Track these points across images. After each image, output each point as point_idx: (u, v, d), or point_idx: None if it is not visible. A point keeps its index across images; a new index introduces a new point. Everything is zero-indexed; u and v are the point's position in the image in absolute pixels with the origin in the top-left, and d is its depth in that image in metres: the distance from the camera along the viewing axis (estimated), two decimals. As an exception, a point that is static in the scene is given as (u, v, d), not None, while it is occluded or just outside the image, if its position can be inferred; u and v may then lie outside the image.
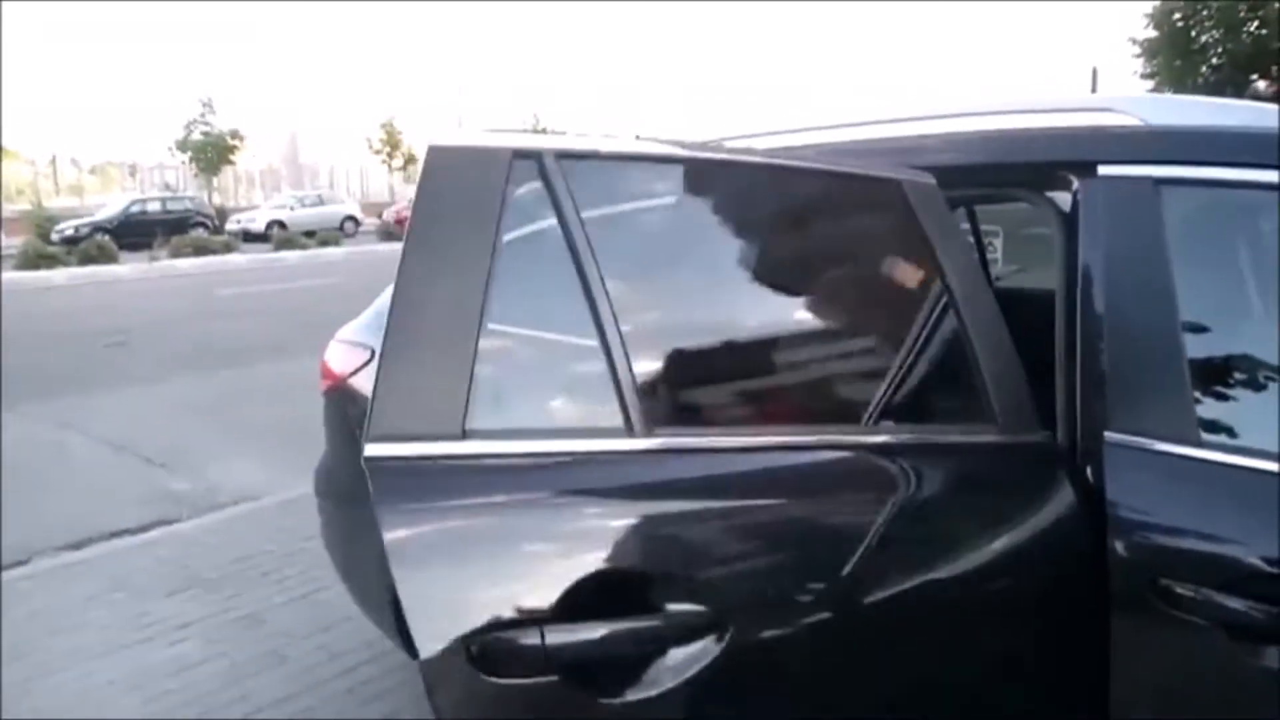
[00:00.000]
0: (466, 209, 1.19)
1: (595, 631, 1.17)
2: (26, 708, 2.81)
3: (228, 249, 21.66)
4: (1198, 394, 1.45)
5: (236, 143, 33.49)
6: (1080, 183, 1.57)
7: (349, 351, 2.58)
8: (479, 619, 1.13)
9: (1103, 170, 1.56)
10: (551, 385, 1.31)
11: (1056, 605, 1.41)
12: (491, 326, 1.18)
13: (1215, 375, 1.50)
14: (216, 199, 34.34)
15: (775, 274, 1.46)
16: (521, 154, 1.21)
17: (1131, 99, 1.74)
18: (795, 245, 1.50)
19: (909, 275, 1.47)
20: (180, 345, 9.79)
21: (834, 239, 1.51)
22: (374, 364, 2.38)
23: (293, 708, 2.79)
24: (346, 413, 2.55)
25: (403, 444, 1.14)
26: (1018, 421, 1.45)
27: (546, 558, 1.20)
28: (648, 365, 1.25)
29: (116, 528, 4.44)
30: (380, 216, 34.04)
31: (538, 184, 1.22)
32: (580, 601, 1.15)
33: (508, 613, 1.15)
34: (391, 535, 1.11)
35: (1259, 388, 1.52)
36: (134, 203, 28.05)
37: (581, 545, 1.21)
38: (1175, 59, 28.06)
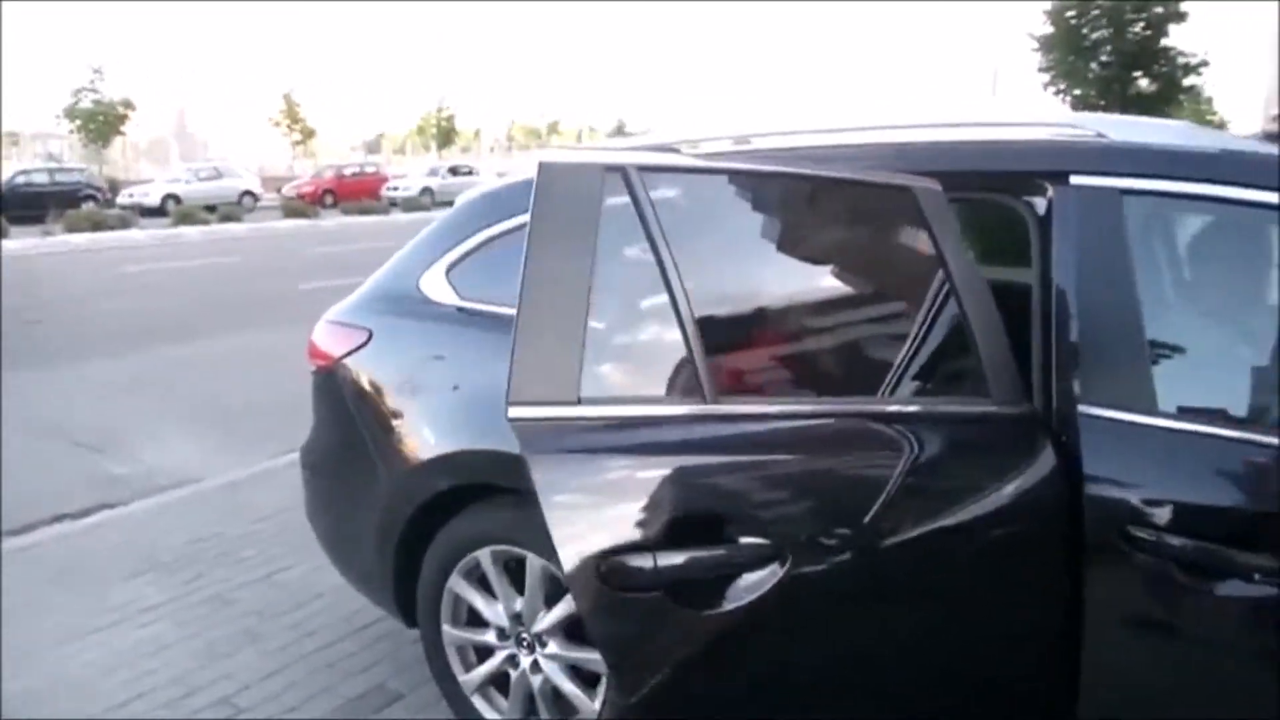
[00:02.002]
0: (571, 214, 1.38)
1: (691, 557, 1.42)
2: (8, 692, 2.79)
3: (125, 224, 20.81)
4: (1155, 371, 1.69)
5: (128, 112, 32.09)
6: (1054, 190, 1.78)
7: (344, 332, 2.63)
8: (604, 544, 1.39)
9: (1074, 180, 1.77)
10: (642, 361, 1.52)
11: (1040, 548, 1.63)
12: (594, 315, 1.38)
13: (1169, 355, 1.74)
14: (107, 171, 32.87)
15: (815, 268, 1.64)
16: (611, 168, 1.40)
17: (1093, 117, 1.95)
18: (829, 243, 1.67)
19: (920, 269, 1.65)
20: (91, 324, 9.48)
21: (860, 236, 1.68)
22: (372, 345, 2.48)
23: (277, 683, 2.84)
24: (342, 392, 2.60)
25: (534, 408, 1.36)
26: (1008, 394, 1.65)
27: (646, 497, 1.44)
28: (715, 345, 1.46)
29: (58, 512, 4.35)
30: (279, 191, 33.14)
31: (625, 193, 1.40)
32: (673, 533, 1.41)
33: (622, 540, 1.40)
34: (539, 476, 1.36)
35: (1204, 366, 1.79)
36: (19, 174, 26.65)
37: (671, 489, 1.46)
38: (1069, 55, 29.36)
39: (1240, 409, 1.73)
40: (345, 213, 26.46)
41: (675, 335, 1.41)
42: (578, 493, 1.40)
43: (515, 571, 2.32)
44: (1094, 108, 30.94)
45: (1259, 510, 1.56)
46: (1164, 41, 29.10)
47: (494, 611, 2.35)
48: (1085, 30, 29.06)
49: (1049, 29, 30.06)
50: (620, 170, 1.41)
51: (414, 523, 2.38)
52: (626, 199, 1.40)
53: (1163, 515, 1.60)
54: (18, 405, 6.12)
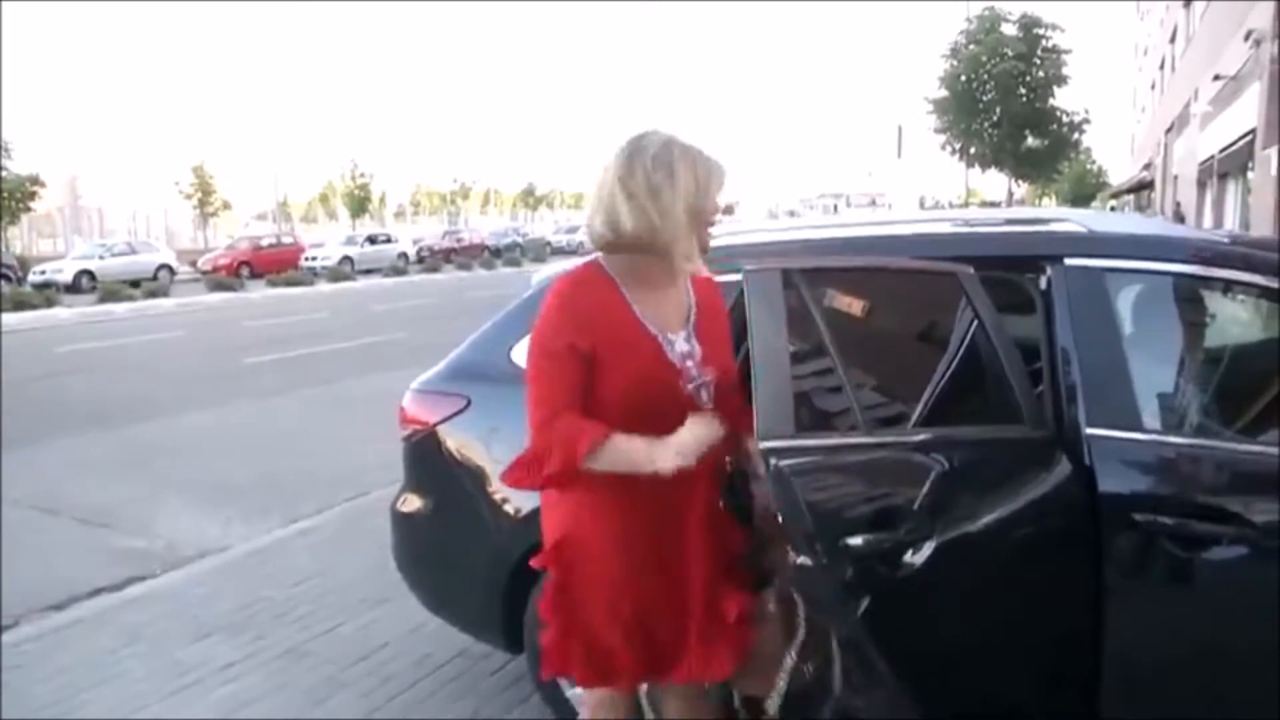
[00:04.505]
0: (768, 303, 1.94)
1: (885, 536, 1.94)
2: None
3: (50, 303, 20.48)
4: (1138, 399, 2.24)
5: (36, 188, 31.47)
6: (1052, 269, 2.35)
7: (439, 400, 3.00)
8: (835, 531, 1.92)
9: (1068, 261, 2.34)
10: (826, 404, 2.04)
11: (1068, 539, 2.14)
12: (794, 373, 1.93)
13: (1148, 388, 2.30)
14: (18, 248, 32.07)
15: (908, 334, 2.18)
16: (785, 271, 1.97)
17: (1079, 212, 2.54)
18: (918, 315, 2.19)
19: (968, 334, 2.18)
20: (44, 404, 9.45)
21: (931, 309, 2.24)
22: (472, 410, 2.86)
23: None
24: (441, 452, 2.96)
25: (772, 440, 1.88)
26: (1037, 421, 2.17)
27: (844, 500, 2.02)
28: (862, 393, 2.01)
29: (91, 587, 4.49)
30: (194, 264, 32.76)
31: (793, 288, 1.97)
32: (873, 520, 1.96)
33: (845, 528, 1.93)
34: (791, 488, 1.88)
35: (1172, 394, 2.42)
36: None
37: (860, 494, 2.03)
38: (963, 117, 31.33)
39: (1198, 421, 2.36)
40: (271, 285, 26.35)
41: (842, 385, 1.96)
42: (811, 496, 1.90)
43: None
44: (989, 164, 32.90)
45: (1221, 493, 2.17)
46: (1051, 102, 31.36)
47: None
48: (977, 94, 31.10)
49: (943, 93, 32.10)
50: (788, 272, 1.97)
51: (522, 562, 2.74)
52: (794, 291, 1.97)
53: (1156, 503, 2.15)
54: (8, 487, 6.18)
